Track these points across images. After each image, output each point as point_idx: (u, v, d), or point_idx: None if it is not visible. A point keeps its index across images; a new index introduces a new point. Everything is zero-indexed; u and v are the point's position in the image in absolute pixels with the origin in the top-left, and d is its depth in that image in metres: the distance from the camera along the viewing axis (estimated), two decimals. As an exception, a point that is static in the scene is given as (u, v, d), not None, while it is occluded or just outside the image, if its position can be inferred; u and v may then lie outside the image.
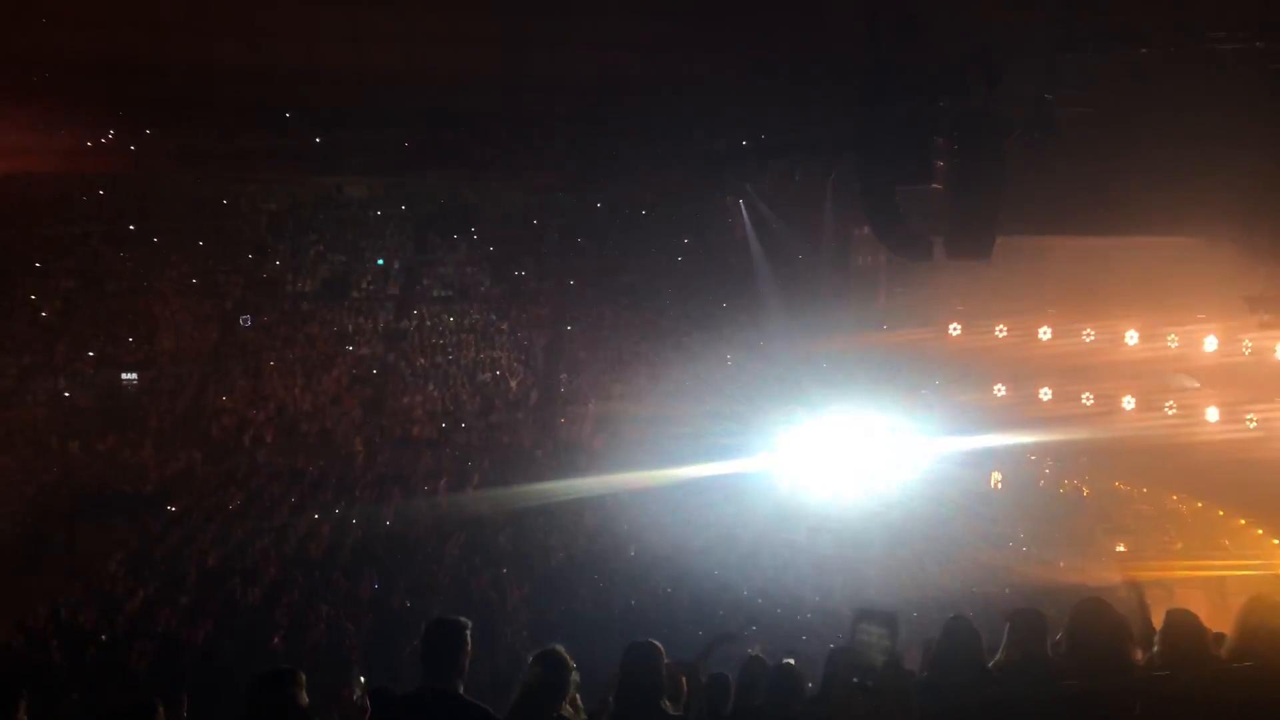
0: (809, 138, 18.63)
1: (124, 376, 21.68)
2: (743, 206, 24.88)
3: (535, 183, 25.41)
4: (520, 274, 25.77)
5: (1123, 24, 13.03)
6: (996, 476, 20.82)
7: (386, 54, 19.33)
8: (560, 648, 4.25)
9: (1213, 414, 19.26)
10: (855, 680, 3.62)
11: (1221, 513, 19.87)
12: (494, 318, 24.84)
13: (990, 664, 4.52)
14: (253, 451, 20.20)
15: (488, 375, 23.27)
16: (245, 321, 23.68)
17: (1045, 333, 20.65)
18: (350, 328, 24.07)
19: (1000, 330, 21.15)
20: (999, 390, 21.27)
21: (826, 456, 18.93)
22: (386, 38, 19.12)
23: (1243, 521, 19.45)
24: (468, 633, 4.03)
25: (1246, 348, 18.47)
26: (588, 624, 13.84)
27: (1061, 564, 17.47)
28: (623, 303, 25.24)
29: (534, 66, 19.71)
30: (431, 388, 22.69)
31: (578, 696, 4.30)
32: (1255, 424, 18.72)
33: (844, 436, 18.97)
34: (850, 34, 14.54)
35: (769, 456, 18.91)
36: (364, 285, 25.22)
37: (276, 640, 13.04)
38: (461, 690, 3.95)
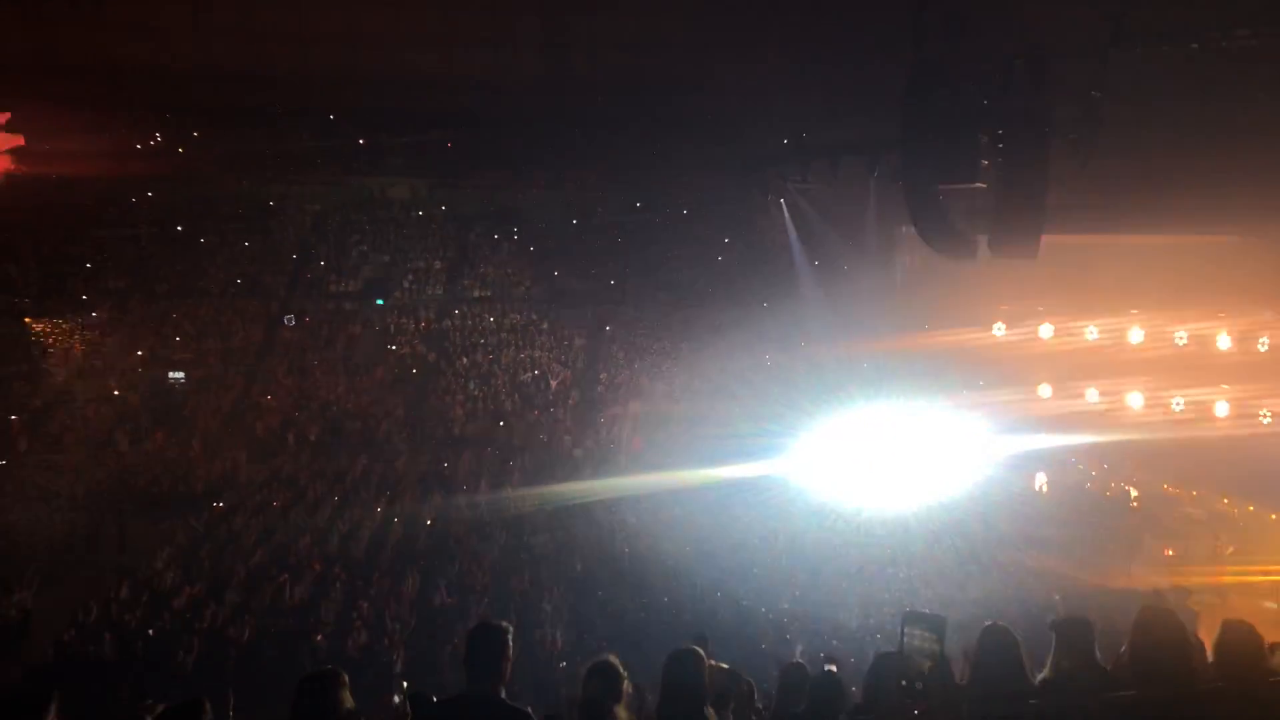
0: (852, 136, 18.49)
1: (172, 375, 22.02)
2: (784, 206, 24.76)
3: (576, 183, 25.51)
4: (560, 274, 25.83)
5: (1172, 21, 12.81)
6: (1041, 479, 20.53)
7: (428, 57, 19.52)
8: (613, 658, 4.25)
9: (1266, 416, 18.84)
10: (904, 684, 3.58)
11: (1275, 516, 19.42)
12: (534, 317, 24.94)
13: (1040, 675, 4.44)
14: (297, 451, 20.44)
15: (528, 375, 23.36)
16: (289, 321, 23.97)
17: (1092, 332, 20.33)
18: (392, 327, 24.28)
19: (1045, 330, 20.86)
20: (1044, 391, 20.99)
21: (866, 458, 18.77)
22: (428, 41, 19.30)
23: (1296, 525, 19.02)
24: (509, 637, 4.04)
25: None
26: (627, 625, 13.84)
27: (1109, 569, 17.16)
28: (662, 302, 25.23)
29: (575, 67, 19.79)
30: (472, 387, 22.82)
31: (625, 707, 4.30)
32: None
33: (885, 438, 18.80)
34: (895, 31, 14.43)
35: (808, 458, 18.79)
36: (406, 285, 25.42)
37: (320, 639, 13.19)
38: (503, 694, 3.96)
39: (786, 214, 24.61)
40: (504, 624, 4.10)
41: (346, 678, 4.06)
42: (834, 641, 13.26)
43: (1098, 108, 12.95)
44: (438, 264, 25.95)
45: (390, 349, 23.80)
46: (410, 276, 25.63)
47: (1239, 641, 4.37)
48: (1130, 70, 13.33)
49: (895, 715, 3.50)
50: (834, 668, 5.42)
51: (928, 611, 4.17)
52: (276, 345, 23.61)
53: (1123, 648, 4.38)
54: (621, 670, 4.13)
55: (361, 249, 25.95)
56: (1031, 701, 4.17)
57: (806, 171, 19.91)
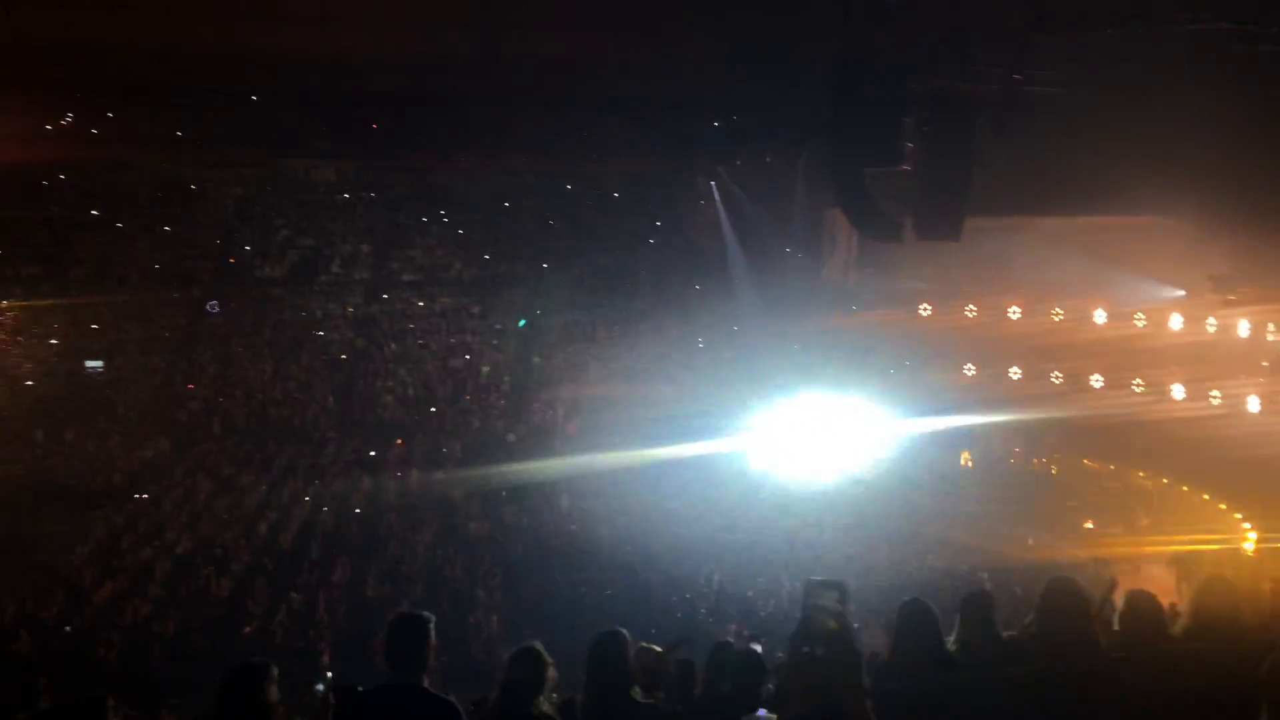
0: (780, 120, 18.62)
1: (89, 365, 21.39)
2: (715, 188, 24.86)
3: (506, 165, 25.25)
4: (492, 258, 25.61)
5: (1091, 6, 13.08)
6: (966, 455, 21.01)
7: (354, 36, 19.12)
8: (537, 645, 4.23)
9: (1178, 391, 19.52)
10: (806, 650, 3.64)
11: (1186, 488, 20.15)
12: (465, 301, 24.70)
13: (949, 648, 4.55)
14: (222, 439, 20.03)
15: (459, 360, 23.17)
16: (213, 308, 23.42)
17: (1015, 312, 20.81)
18: (320, 313, 23.87)
19: (970, 310, 21.30)
20: (968, 370, 21.45)
21: (797, 437, 19.04)
22: (354, 20, 18.92)
23: (1206, 497, 19.73)
24: (431, 626, 4.02)
25: (1211, 326, 18.73)
26: (562, 608, 13.86)
27: (1030, 541, 17.66)
28: (595, 285, 25.18)
29: (505, 48, 19.56)
30: (403, 373, 22.57)
31: (553, 695, 4.30)
32: (1219, 401, 19.00)
33: (814, 417, 19.08)
34: (822, 16, 14.53)
35: (741, 437, 19.00)
36: (333, 270, 25.00)
37: (248, 631, 12.99)
38: (427, 684, 3.94)
39: (717, 197, 24.73)
40: (425, 613, 4.08)
41: (275, 670, 4.01)
42: (762, 614, 13.46)
43: (1020, 91, 13.20)
44: (365, 248, 25.55)
45: (318, 335, 23.41)
46: (337, 261, 25.20)
47: (1142, 611, 4.52)
48: (1052, 54, 13.62)
49: (799, 680, 3.56)
50: (758, 646, 5.48)
51: (828, 578, 4.24)
52: (200, 332, 23.07)
53: (1027, 619, 4.52)
54: (546, 657, 4.12)
55: (286, 233, 25.43)
56: (943, 674, 4.26)
57: (736, 155, 20.02)
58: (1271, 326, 18.36)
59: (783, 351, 21.50)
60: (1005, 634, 4.69)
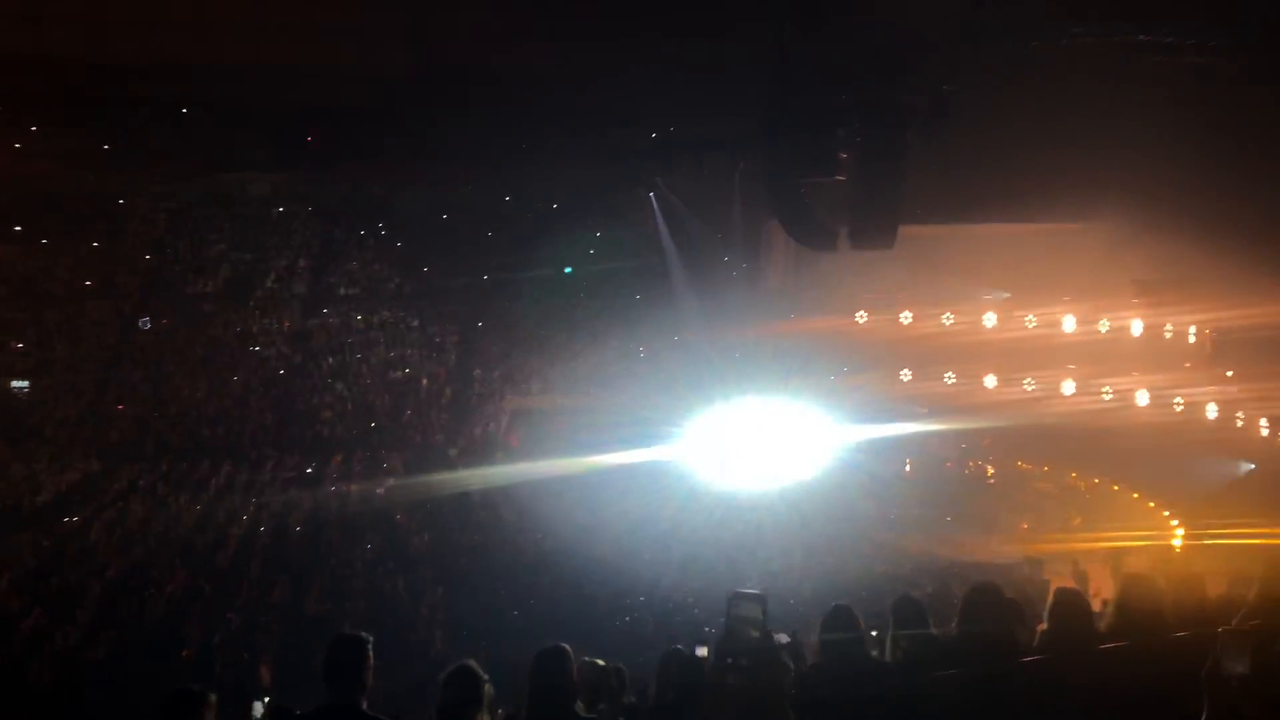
0: (717, 131, 18.78)
1: (15, 385, 20.80)
2: (653, 199, 24.95)
3: (444, 177, 25.08)
4: (430, 270, 25.43)
5: (1018, 18, 13.42)
6: (905, 460, 21.35)
7: (287, 47, 18.85)
8: (472, 663, 4.23)
9: (1107, 393, 20.08)
10: (729, 661, 3.70)
11: (1116, 488, 20.71)
12: (404, 315, 24.49)
13: (881, 654, 4.65)
14: (156, 459, 19.59)
15: (399, 374, 22.96)
16: (144, 324, 22.91)
17: (948, 319, 21.20)
18: (255, 329, 23.49)
19: (905, 317, 21.66)
20: (905, 375, 21.79)
21: (738, 445, 19.19)
22: (286, 30, 18.64)
23: (1136, 495, 20.29)
24: (369, 647, 4.00)
25: (1136, 329, 19.28)
26: (506, 622, 13.78)
27: (967, 543, 18.00)
28: (536, 297, 25.11)
29: (441, 59, 19.45)
30: (341, 388, 22.30)
31: (497, 711, 4.31)
32: (1147, 402, 19.57)
33: (755, 425, 19.25)
34: (757, 27, 14.70)
35: (683, 446, 19.09)
36: (268, 284, 24.62)
37: (186, 654, 12.71)
38: (365, 705, 3.92)
39: (656, 207, 24.82)
40: (363, 635, 4.07)
41: (213, 697, 3.96)
42: (707, 629, 13.50)
43: (949, 101, 13.49)
44: (302, 262, 25.20)
45: (253, 351, 23.04)
46: (273, 275, 24.82)
47: (1068, 609, 4.65)
48: (980, 64, 13.95)
49: (723, 690, 3.61)
50: (704, 651, 5.53)
51: (749, 588, 4.30)
52: (131, 349, 22.54)
53: (953, 623, 4.62)
54: (481, 674, 4.12)
55: (220, 247, 24.99)
56: (869, 680, 4.35)
57: (674, 167, 20.15)
58: (1194, 328, 18.98)
59: (724, 360, 21.65)
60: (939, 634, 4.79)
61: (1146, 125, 13.53)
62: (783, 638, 5.38)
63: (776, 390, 19.90)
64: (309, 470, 19.53)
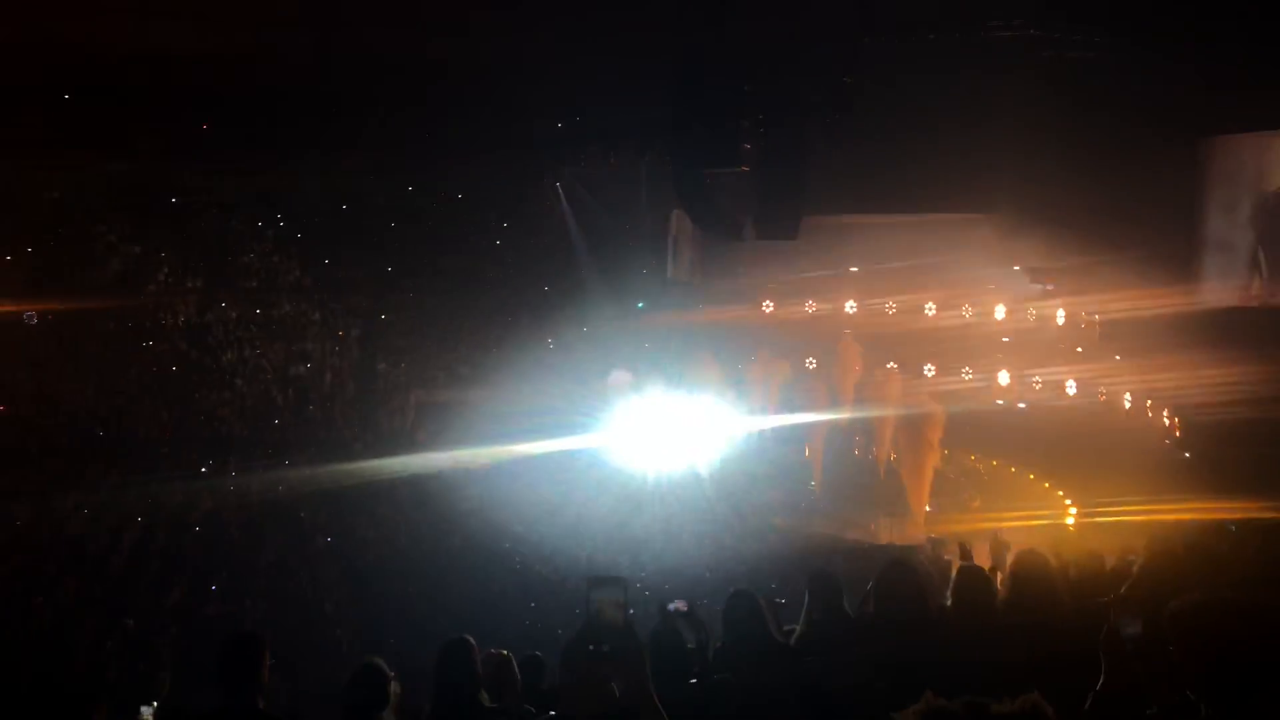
0: (623, 122, 18.78)
1: (-115, 385, 19.71)
2: (561, 190, 24.84)
3: (345, 166, 24.53)
4: (332, 262, 24.84)
5: (915, 12, 13.75)
6: (809, 447, 21.73)
7: (179, 32, 18.20)
8: (377, 660, 4.16)
9: (1004, 378, 20.74)
10: (591, 648, 3.70)
11: (1014, 470, 21.42)
12: (305, 308, 23.88)
13: (795, 630, 4.72)
14: (41, 461, 18.75)
15: (300, 368, 22.41)
16: (30, 319, 21.86)
17: (850, 306, 21.62)
18: (148, 324, 22.62)
19: (809, 306, 22.03)
20: (810, 363, 22.16)
21: (647, 434, 19.30)
22: (178, 14, 17.99)
23: (1032, 476, 21.02)
24: (264, 646, 3.90)
25: (1031, 315, 19.99)
26: (414, 617, 13.61)
27: (873, 526, 18.43)
28: (442, 288, 24.76)
29: (339, 46, 19.02)
30: (240, 384, 21.67)
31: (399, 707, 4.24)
32: (1040, 386, 20.29)
33: (663, 414, 19.38)
34: (662, 20, 14.74)
35: (593, 436, 19.12)
36: (161, 278, 23.72)
37: (77, 663, 12.22)
38: (262, 705, 3.82)
39: (563, 197, 24.71)
40: (257, 633, 3.97)
41: (105, 705, 3.81)
42: (576, 610, 13.56)
43: (849, 94, 13.76)
44: (196, 253, 24.35)
45: (146, 346, 22.21)
46: (166, 269, 23.93)
47: (971, 584, 4.80)
48: (879, 58, 14.24)
49: (586, 677, 3.59)
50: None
51: (609, 573, 4.29)
52: (13, 347, 21.50)
53: (866, 600, 4.73)
54: (387, 672, 4.06)
55: (110, 240, 23.98)
56: (773, 661, 4.41)
57: (581, 157, 20.09)
58: (1083, 314, 19.76)
59: (633, 349, 21.70)
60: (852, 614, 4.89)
61: (1033, 117, 14.03)
62: (681, 606, 5.39)
63: (684, 379, 20.04)
64: (205, 469, 18.95)
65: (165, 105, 21.10)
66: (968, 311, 20.95)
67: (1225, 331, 15.89)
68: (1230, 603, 2.94)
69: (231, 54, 18.60)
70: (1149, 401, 19.48)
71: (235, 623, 13.09)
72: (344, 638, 13.30)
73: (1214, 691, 2.83)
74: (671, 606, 5.02)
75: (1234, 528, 7.77)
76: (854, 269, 21.53)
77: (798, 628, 4.76)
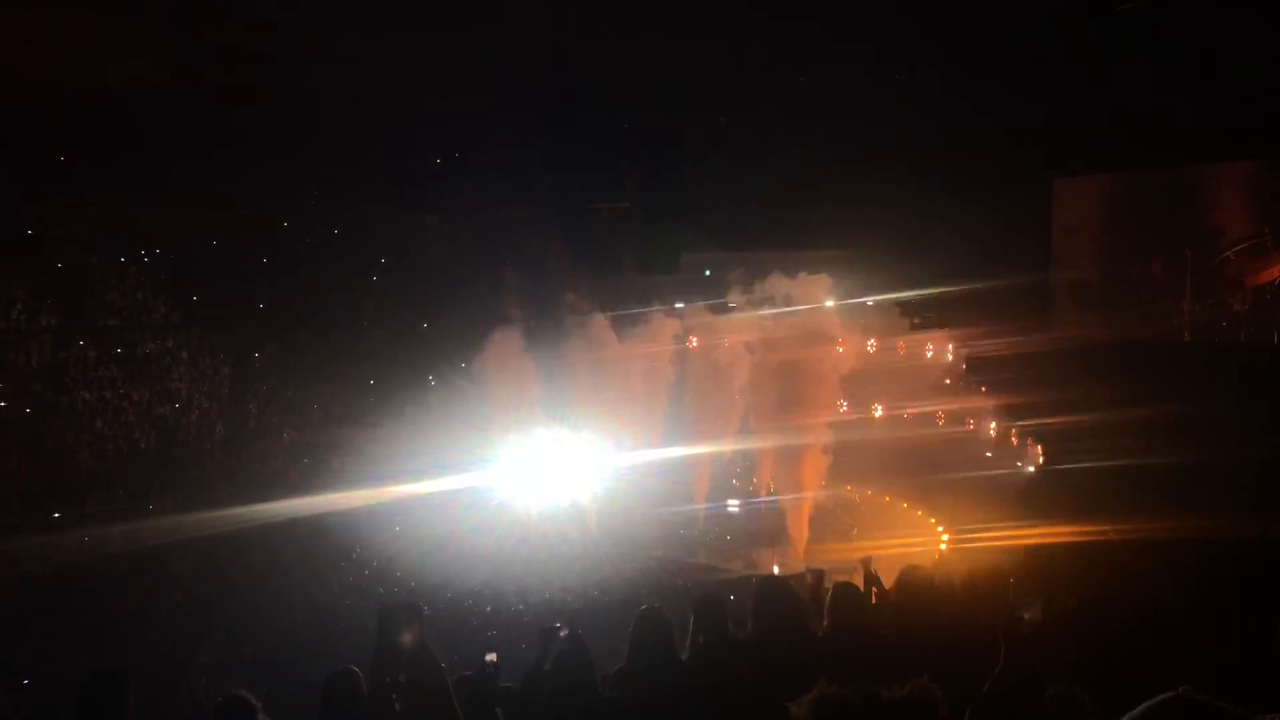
0: (502, 157, 18.82)
1: None
2: (440, 226, 24.62)
3: (214, 201, 23.80)
4: (200, 299, 23.96)
5: (784, 52, 14.20)
6: (694, 479, 21.92)
7: (38, 62, 17.45)
8: (244, 693, 4.00)
9: (878, 411, 21.43)
10: (388, 680, 3.62)
11: (888, 499, 22.03)
12: (171, 345, 22.94)
13: (685, 653, 4.74)
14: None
15: (165, 408, 21.48)
16: None
17: (731, 341, 22.00)
18: (-1, 364, 21.37)
19: (691, 340, 22.34)
20: (692, 397, 22.41)
21: (530, 470, 19.22)
22: (37, 44, 17.26)
23: (905, 505, 21.66)
24: (127, 685, 3.70)
25: (901, 349, 20.75)
26: (288, 660, 13.12)
27: (752, 555, 18.69)
28: (316, 326, 24.15)
29: (210, 79, 18.52)
30: (99, 425, 20.62)
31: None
32: (911, 418, 21.02)
33: (546, 450, 19.34)
34: (539, 55, 14.87)
35: (475, 473, 18.91)
36: (13, 316, 22.45)
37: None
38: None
39: (443, 234, 24.51)
40: (120, 670, 3.77)
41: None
42: (491, 632, 13.43)
43: (722, 132, 14.11)
44: (52, 290, 23.15)
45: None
46: (19, 306, 22.67)
47: (846, 601, 4.92)
48: (752, 97, 14.65)
49: (387, 711, 3.51)
50: (493, 657, 5.47)
51: (401, 603, 4.21)
52: None
53: (748, 621, 4.80)
54: (255, 703, 3.91)
55: (-45, 276, 22.63)
56: (673, 679, 4.43)
57: (458, 193, 20.02)
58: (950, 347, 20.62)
59: (518, 387, 21.55)
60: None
61: (896, 156, 14.66)
62: (563, 631, 5.37)
63: (567, 416, 20.02)
64: (60, 515, 17.93)
65: (20, 135, 20.15)
66: (841, 347, 21.57)
67: (1081, 362, 16.78)
68: (1112, 602, 3.11)
69: (94, 84, 17.93)
70: (1013, 430, 20.35)
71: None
72: (206, 688, 12.69)
73: (1099, 680, 2.97)
74: (561, 631, 4.97)
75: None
76: (732, 305, 21.95)
77: (685, 651, 4.78)
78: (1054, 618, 3.31)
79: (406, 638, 3.67)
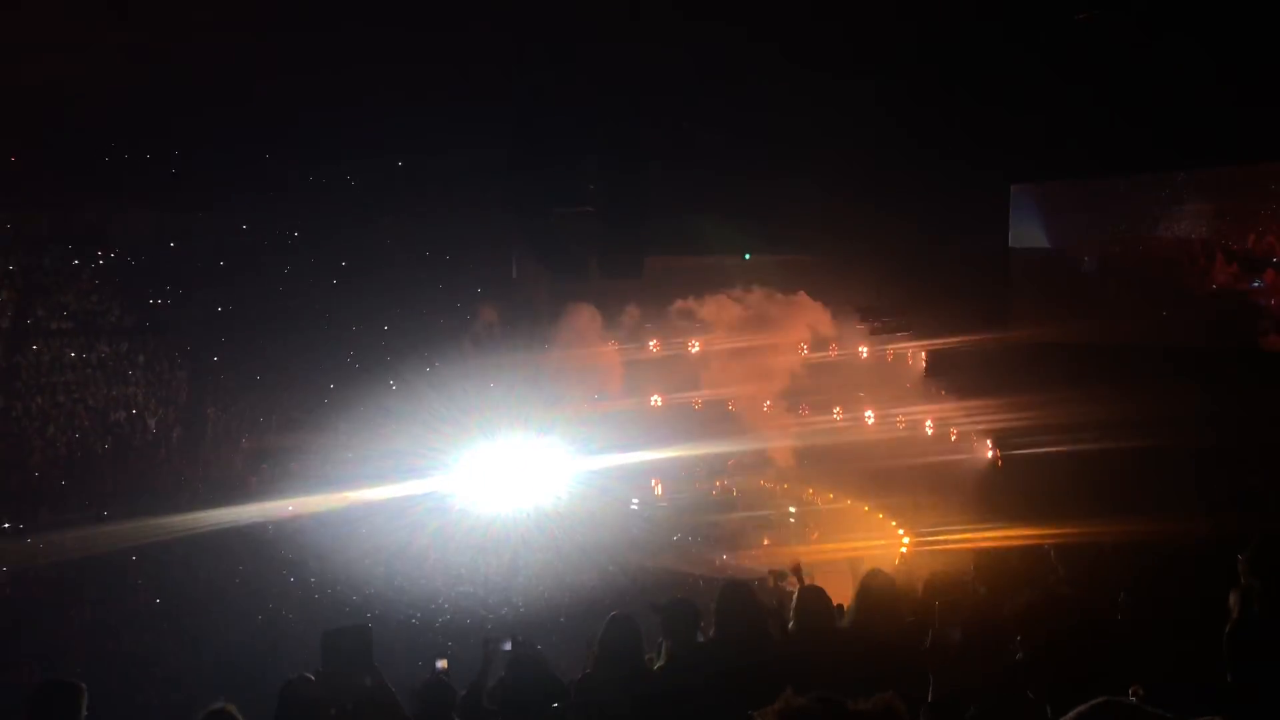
0: (465, 160, 18.73)
1: None
2: (402, 229, 24.43)
3: (171, 203, 23.45)
4: (157, 302, 23.60)
5: (745, 59, 14.27)
6: (655, 484, 21.95)
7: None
8: (229, 705, 3.95)
9: (837, 414, 21.60)
10: (333, 712, 3.50)
11: (850, 502, 22.20)
12: (127, 350, 22.57)
13: (658, 660, 4.76)
14: None
15: (121, 414, 21.14)
16: None
17: (695, 346, 22.09)
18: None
19: (653, 345, 22.38)
20: (655, 401, 22.46)
21: (494, 476, 19.13)
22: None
23: (866, 508, 21.85)
24: (79, 695, 3.65)
25: (861, 353, 20.94)
26: (247, 668, 12.98)
27: (717, 560, 18.75)
28: (276, 329, 23.85)
29: (166, 78, 18.27)
30: (52, 431, 20.24)
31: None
32: (873, 422, 21.19)
33: (509, 456, 19.27)
34: (502, 59, 14.84)
35: (438, 479, 18.79)
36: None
37: None
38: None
39: (405, 237, 24.33)
40: (76, 683, 3.70)
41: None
42: (450, 645, 13.36)
43: (686, 137, 14.16)
44: (3, 293, 22.71)
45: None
46: (-32, 308, 22.24)
47: (812, 605, 4.96)
48: (716, 102, 14.72)
49: None
50: (444, 664, 5.47)
51: (350, 625, 4.07)
52: None
53: (707, 625, 4.82)
54: (238, 717, 3.87)
55: (-98, 279, 22.14)
56: (641, 685, 4.44)
57: (422, 196, 19.91)
58: (910, 351, 20.81)
59: (480, 390, 21.47)
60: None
61: (855, 161, 14.81)
62: (505, 645, 5.36)
63: (530, 421, 19.97)
64: (6, 525, 17.59)
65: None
66: (803, 349, 21.70)
67: (1038, 367, 17.00)
68: (1061, 598, 3.16)
69: (45, 83, 17.61)
70: (973, 434, 20.59)
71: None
72: (169, 697, 12.52)
73: (1052, 679, 3.02)
74: (506, 646, 4.97)
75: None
76: (699, 314, 22.05)
77: (658, 656, 4.79)
78: (1005, 617, 3.36)
79: (353, 661, 3.56)
